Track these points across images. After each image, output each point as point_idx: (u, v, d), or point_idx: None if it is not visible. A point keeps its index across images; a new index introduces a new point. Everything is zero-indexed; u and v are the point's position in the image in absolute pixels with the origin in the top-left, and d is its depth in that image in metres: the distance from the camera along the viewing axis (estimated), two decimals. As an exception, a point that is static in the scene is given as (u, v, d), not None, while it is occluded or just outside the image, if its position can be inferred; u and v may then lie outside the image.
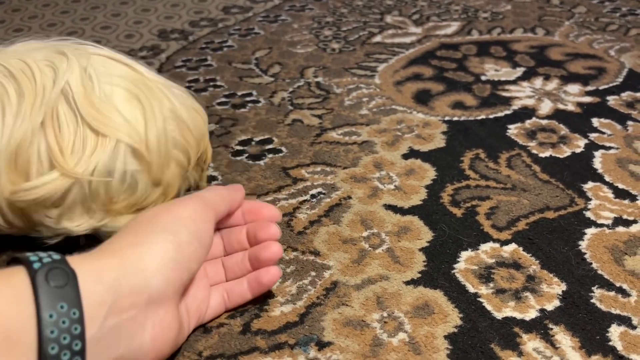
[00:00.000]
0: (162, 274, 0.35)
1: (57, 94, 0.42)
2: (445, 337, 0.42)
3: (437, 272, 0.47)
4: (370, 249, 0.50)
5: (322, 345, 0.42)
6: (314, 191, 0.57)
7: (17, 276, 0.30)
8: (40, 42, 0.47)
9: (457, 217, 0.53)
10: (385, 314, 0.44)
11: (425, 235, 0.51)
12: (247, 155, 0.64)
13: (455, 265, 0.48)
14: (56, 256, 0.32)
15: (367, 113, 0.71)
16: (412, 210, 0.54)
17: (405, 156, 0.62)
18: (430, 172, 0.59)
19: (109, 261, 0.34)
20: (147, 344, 0.35)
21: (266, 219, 0.46)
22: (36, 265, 0.30)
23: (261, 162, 0.63)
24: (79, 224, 0.45)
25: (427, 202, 0.55)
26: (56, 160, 0.42)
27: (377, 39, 0.92)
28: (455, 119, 0.68)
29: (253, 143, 0.66)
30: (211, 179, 0.60)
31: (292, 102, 0.74)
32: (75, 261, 0.32)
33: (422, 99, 0.73)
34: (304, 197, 0.57)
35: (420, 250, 0.50)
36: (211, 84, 0.80)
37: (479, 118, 0.68)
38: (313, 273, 0.48)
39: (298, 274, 0.48)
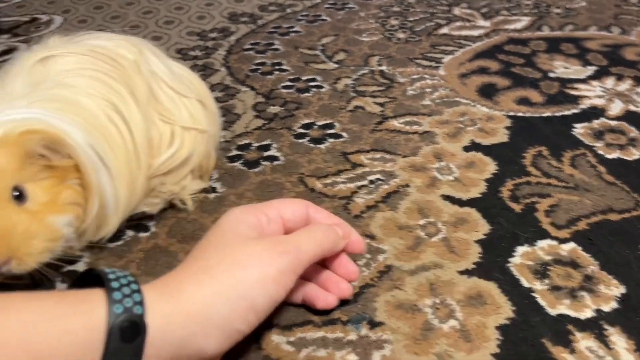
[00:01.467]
0: (220, 341, 0.35)
1: (148, 78, 0.50)
2: (497, 327, 0.42)
3: (492, 264, 0.48)
4: (426, 237, 0.51)
5: (373, 325, 0.43)
6: (372, 177, 0.58)
7: (97, 314, 0.31)
8: (105, 34, 0.53)
9: (516, 213, 0.53)
10: (437, 301, 0.44)
11: (482, 227, 0.51)
12: (308, 138, 0.66)
13: (511, 260, 0.48)
14: (136, 294, 0.32)
15: (430, 104, 0.71)
16: (470, 203, 0.54)
17: (467, 149, 0.62)
18: (490, 166, 0.59)
19: (180, 313, 0.33)
20: None
21: (344, 275, 0.44)
22: (118, 309, 0.31)
23: (322, 146, 0.64)
24: (188, 190, 0.54)
25: (486, 196, 0.55)
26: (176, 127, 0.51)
27: (444, 30, 0.91)
28: (520, 114, 0.68)
29: (315, 127, 0.68)
30: (272, 158, 0.62)
31: (355, 89, 0.75)
32: (150, 301, 0.33)
33: (487, 92, 0.72)
34: (362, 182, 0.58)
35: (476, 242, 0.50)
36: (277, 67, 0.82)
37: (545, 115, 0.67)
38: (368, 255, 0.49)
39: (353, 255, 0.49)
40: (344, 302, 0.45)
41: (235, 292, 0.35)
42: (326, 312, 0.44)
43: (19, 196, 0.40)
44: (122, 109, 0.46)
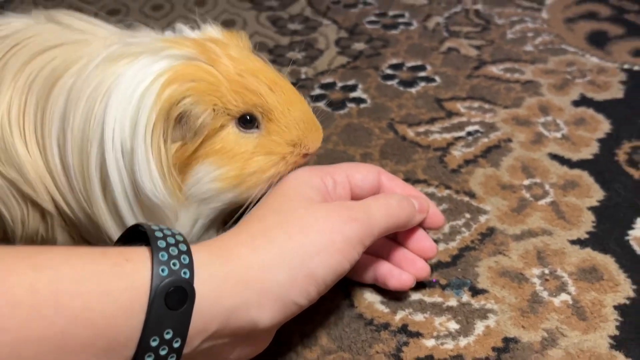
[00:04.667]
0: (275, 313, 0.31)
1: None
2: (615, 307, 0.38)
3: (608, 235, 0.43)
4: (531, 199, 0.46)
5: (475, 292, 0.39)
6: (470, 128, 0.54)
7: (141, 275, 0.27)
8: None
9: (635, 179, 0.47)
10: (546, 271, 0.40)
11: (596, 193, 0.46)
12: (398, 80, 0.61)
13: (630, 232, 0.43)
14: (184, 256, 0.29)
15: (533, 50, 0.64)
16: (581, 164, 0.49)
17: (576, 103, 0.56)
18: (604, 125, 0.53)
19: (233, 278, 0.30)
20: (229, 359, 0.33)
21: (419, 252, 0.39)
22: (163, 271, 0.27)
23: (413, 90, 0.59)
24: None
25: (599, 158, 0.50)
26: None
27: (546, -32, 0.82)
28: (637, 68, 0.60)
29: (404, 68, 0.62)
30: (359, 100, 0.58)
31: (447, 28, 0.69)
32: (200, 265, 0.29)
33: (598, 41, 0.65)
34: (459, 134, 0.53)
35: (589, 209, 0.45)
36: (361, 0, 0.76)
37: (666, 70, 0.60)
38: (468, 215, 0.45)
39: (451, 213, 0.45)
40: (442, 265, 0.41)
41: (295, 259, 0.31)
42: (401, 295, 0.39)
43: None
44: None
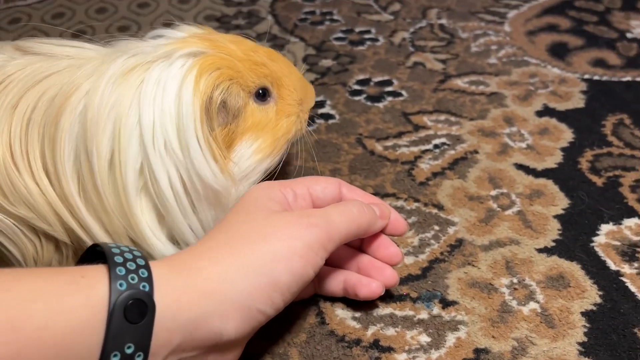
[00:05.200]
0: (239, 323, 0.31)
1: None
2: (582, 313, 0.38)
3: (574, 243, 0.43)
4: (499, 209, 0.47)
5: (446, 304, 0.40)
6: (437, 141, 0.54)
7: (98, 291, 0.27)
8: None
9: (597, 186, 0.48)
10: (515, 280, 0.41)
11: (561, 201, 0.47)
12: (365, 95, 0.61)
13: (595, 239, 0.44)
14: (142, 270, 0.28)
15: (496, 62, 0.65)
16: (546, 173, 0.50)
17: (539, 113, 0.57)
18: (566, 134, 0.54)
19: (194, 290, 0.30)
20: None
21: (385, 258, 0.39)
22: (121, 286, 0.27)
23: (380, 105, 0.60)
24: None
25: (563, 166, 0.50)
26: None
27: (507, -18, 0.84)
28: (596, 78, 0.62)
29: (372, 84, 0.63)
30: (328, 116, 0.58)
31: (413, 43, 0.70)
32: (160, 278, 0.29)
33: (558, 52, 0.67)
34: (427, 147, 0.54)
35: (554, 217, 0.46)
36: (328, 17, 0.77)
37: (624, 80, 0.61)
38: (436, 227, 0.45)
39: (420, 226, 0.46)
40: (412, 278, 0.41)
41: (256, 267, 0.31)
42: (371, 303, 0.39)
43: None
44: None
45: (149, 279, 0.28)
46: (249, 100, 0.40)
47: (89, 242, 0.36)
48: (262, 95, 0.40)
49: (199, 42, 0.38)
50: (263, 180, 0.40)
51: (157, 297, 0.28)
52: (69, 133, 0.35)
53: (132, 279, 0.28)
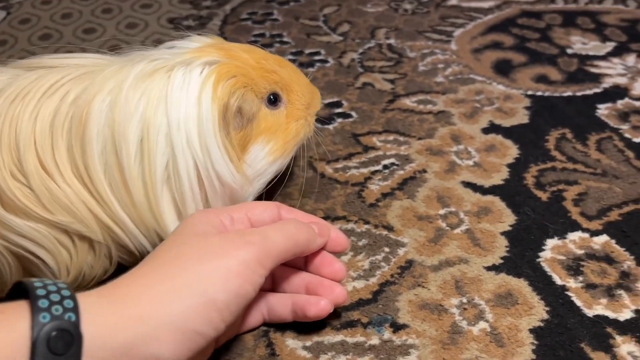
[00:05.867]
0: (176, 346, 0.30)
1: None
2: (531, 330, 0.39)
3: (521, 259, 0.44)
4: (447, 228, 0.47)
5: (397, 327, 0.39)
6: (386, 161, 0.54)
7: (19, 326, 0.26)
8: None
9: (542, 201, 0.49)
10: (464, 300, 0.41)
11: (508, 218, 0.48)
12: (315, 118, 0.61)
13: (541, 254, 0.44)
14: (67, 300, 0.28)
15: (443, 81, 0.66)
16: (493, 190, 0.51)
17: (485, 130, 0.58)
18: (512, 150, 0.55)
19: (124, 316, 0.29)
20: None
21: (329, 275, 0.39)
22: (44, 318, 0.27)
23: (330, 127, 0.60)
24: None
25: (510, 182, 0.51)
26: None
27: (453, 1, 0.86)
28: (539, 93, 0.64)
29: (322, 106, 0.63)
30: (278, 140, 0.58)
31: (362, 64, 0.70)
32: (87, 306, 0.28)
33: (503, 69, 0.68)
34: (376, 167, 0.54)
35: (502, 233, 0.46)
36: (277, 39, 0.77)
37: (566, 95, 0.63)
38: (387, 249, 0.45)
39: (371, 248, 0.45)
40: (363, 302, 0.41)
41: (191, 288, 0.31)
42: (322, 330, 0.39)
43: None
44: None
45: (75, 309, 0.28)
46: (262, 106, 0.42)
47: (125, 238, 0.39)
48: (274, 100, 0.43)
49: (214, 51, 0.41)
50: (271, 181, 0.44)
51: (85, 326, 0.27)
52: (97, 132, 0.37)
53: (56, 310, 0.27)
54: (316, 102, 0.47)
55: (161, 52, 0.42)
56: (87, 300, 0.29)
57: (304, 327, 0.39)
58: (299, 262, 0.40)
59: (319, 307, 0.37)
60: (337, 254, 0.41)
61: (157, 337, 0.29)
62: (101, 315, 0.29)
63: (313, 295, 0.38)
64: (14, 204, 0.36)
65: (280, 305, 0.39)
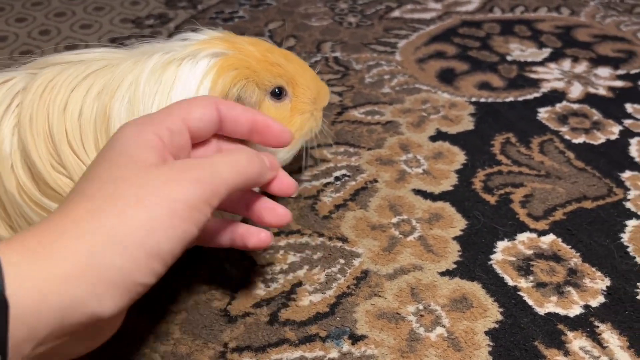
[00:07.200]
0: (117, 301, 0.27)
1: None
2: (486, 332, 0.39)
3: (473, 263, 0.45)
4: (400, 236, 0.47)
5: (355, 339, 0.39)
6: (338, 173, 0.54)
7: None
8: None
9: (491, 205, 0.50)
10: (421, 307, 0.41)
11: (459, 223, 0.48)
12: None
13: (492, 256, 0.45)
14: None
15: (390, 91, 0.67)
16: (443, 196, 0.51)
17: (433, 138, 0.59)
18: (459, 156, 0.56)
19: (57, 276, 0.26)
20: (75, 354, 0.30)
21: (279, 192, 0.37)
22: None
23: (280, 141, 0.59)
24: None
25: (459, 188, 0.52)
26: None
27: (396, 13, 0.88)
28: (483, 100, 0.65)
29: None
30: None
31: (309, 77, 0.70)
32: (12, 268, 0.25)
33: (447, 78, 0.70)
34: (328, 180, 0.54)
35: (453, 239, 0.47)
36: (223, 56, 0.76)
37: (508, 100, 0.65)
38: (342, 261, 0.45)
39: (326, 261, 0.45)
40: (320, 316, 0.41)
41: (132, 238, 0.27)
42: (282, 355, 0.39)
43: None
44: None
45: None
46: (265, 98, 0.42)
47: None
48: (278, 93, 0.43)
49: (220, 43, 0.41)
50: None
51: (12, 291, 0.24)
52: (119, 123, 0.37)
53: None
54: (323, 96, 0.47)
55: (174, 43, 0.42)
56: (10, 261, 0.25)
57: (262, 342, 0.38)
58: (240, 207, 0.38)
59: (260, 238, 0.37)
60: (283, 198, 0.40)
61: (96, 294, 0.26)
62: (31, 279, 0.25)
63: (256, 216, 0.37)
64: (57, 194, 0.37)
65: (219, 231, 0.37)
